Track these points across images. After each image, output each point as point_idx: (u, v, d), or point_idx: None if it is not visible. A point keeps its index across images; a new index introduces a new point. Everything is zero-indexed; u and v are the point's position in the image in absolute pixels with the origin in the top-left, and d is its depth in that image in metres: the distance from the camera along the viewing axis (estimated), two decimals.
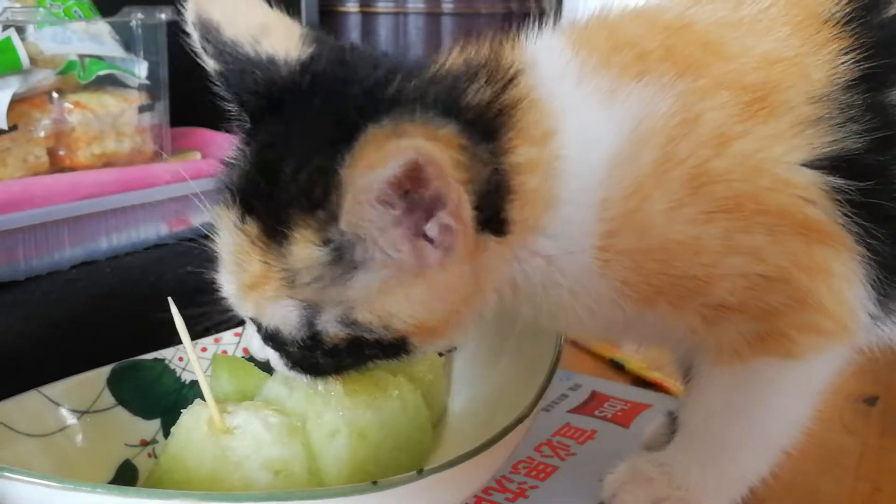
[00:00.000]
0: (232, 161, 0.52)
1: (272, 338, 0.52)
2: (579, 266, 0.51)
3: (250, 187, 0.49)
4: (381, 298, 0.48)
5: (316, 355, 0.51)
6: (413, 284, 0.48)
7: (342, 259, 0.46)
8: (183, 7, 0.52)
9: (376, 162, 0.40)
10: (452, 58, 0.52)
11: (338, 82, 0.51)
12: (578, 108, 0.50)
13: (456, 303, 0.50)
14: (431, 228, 0.46)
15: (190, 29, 0.52)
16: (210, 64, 0.52)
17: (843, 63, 0.50)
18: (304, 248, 0.46)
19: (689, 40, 0.52)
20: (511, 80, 0.50)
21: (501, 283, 0.52)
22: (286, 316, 0.49)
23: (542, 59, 0.52)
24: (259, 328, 0.53)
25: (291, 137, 0.49)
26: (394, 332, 0.49)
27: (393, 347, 0.51)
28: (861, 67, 0.50)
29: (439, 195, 0.43)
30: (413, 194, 0.43)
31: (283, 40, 0.52)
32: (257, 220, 0.48)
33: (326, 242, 0.46)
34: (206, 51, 0.52)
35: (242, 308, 0.52)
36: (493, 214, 0.47)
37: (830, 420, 0.58)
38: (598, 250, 0.50)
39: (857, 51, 0.50)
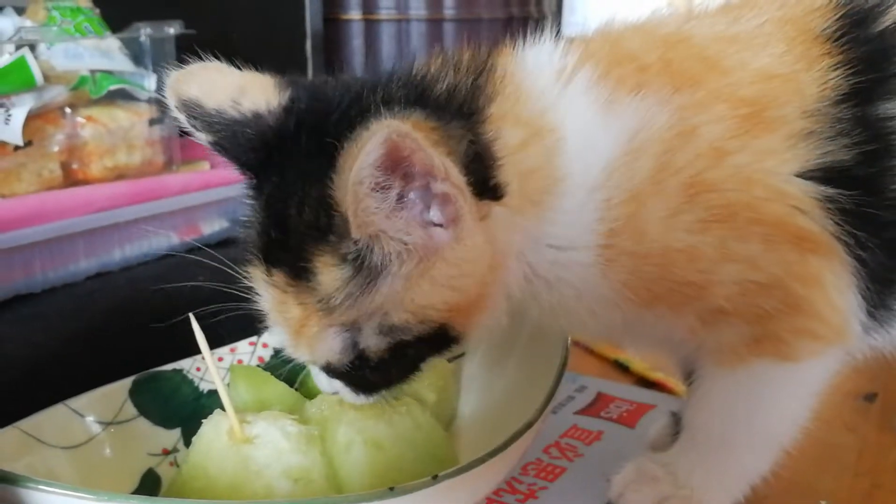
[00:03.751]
0: (248, 221, 0.54)
1: (329, 371, 0.55)
2: (583, 263, 0.53)
3: (267, 242, 0.51)
4: (410, 293, 0.49)
5: (368, 373, 0.53)
6: (434, 268, 0.49)
7: (363, 268, 0.48)
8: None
9: (357, 154, 0.43)
10: (429, 64, 0.54)
11: (318, 115, 0.52)
12: (580, 114, 0.52)
13: (480, 274, 0.51)
14: (434, 211, 0.48)
15: (175, 113, 0.54)
16: (203, 138, 0.54)
17: (833, 78, 0.52)
18: (328, 273, 0.49)
19: (686, 54, 0.54)
20: (486, 68, 0.53)
21: (519, 257, 0.53)
22: (332, 346, 0.52)
23: (539, 60, 0.55)
24: (316, 365, 0.55)
25: (289, 181, 0.51)
26: (431, 323, 0.51)
27: (436, 341, 0.52)
28: (850, 82, 0.51)
29: (425, 169, 0.46)
30: (402, 171, 0.46)
31: (260, 94, 0.54)
32: (282, 270, 0.51)
33: (344, 259, 0.48)
34: (196, 128, 0.54)
35: (299, 354, 0.54)
36: (483, 181, 0.50)
37: (830, 418, 0.59)
38: (600, 248, 0.52)
39: (847, 66, 0.52)
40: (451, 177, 0.46)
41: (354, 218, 0.46)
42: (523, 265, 0.54)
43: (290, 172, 0.51)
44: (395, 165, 0.45)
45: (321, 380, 0.57)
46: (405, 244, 0.48)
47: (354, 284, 0.49)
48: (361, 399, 0.56)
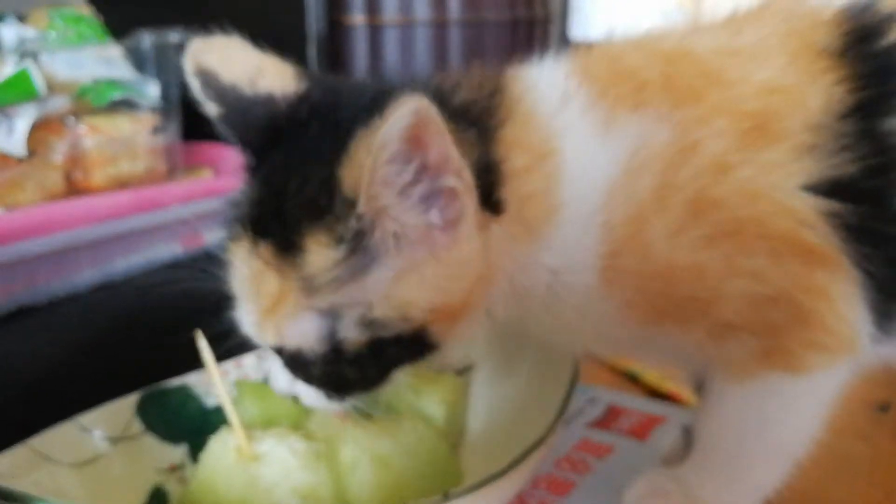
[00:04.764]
0: (239, 198, 0.54)
1: (295, 361, 0.53)
2: (584, 284, 0.53)
3: (259, 213, 0.51)
4: (397, 288, 0.49)
5: (341, 368, 0.52)
6: (426, 266, 0.49)
7: (356, 252, 0.48)
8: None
9: (384, 122, 0.43)
10: (441, 78, 0.55)
11: (331, 108, 0.53)
12: (578, 137, 0.52)
13: (468, 280, 0.51)
14: (434, 211, 0.48)
15: (190, 79, 0.54)
16: (212, 109, 0.55)
17: (837, 92, 0.51)
18: (318, 252, 0.48)
19: (687, 69, 0.53)
20: (498, 89, 0.53)
21: (509, 279, 0.53)
22: (306, 331, 0.51)
23: (543, 83, 0.54)
24: (282, 354, 0.54)
25: (293, 161, 0.51)
26: (412, 322, 0.50)
27: (415, 344, 0.52)
28: (855, 97, 0.51)
29: (440, 159, 0.46)
30: (420, 153, 0.46)
31: (277, 79, 0.55)
32: (270, 241, 0.50)
33: (340, 241, 0.48)
34: (208, 97, 0.54)
35: (264, 336, 0.53)
36: (487, 193, 0.50)
37: (842, 427, 0.59)
38: (601, 270, 0.52)
39: (851, 80, 0.51)
40: (463, 174, 0.47)
41: (367, 187, 0.45)
42: (517, 286, 0.54)
43: (296, 153, 0.51)
44: (416, 145, 0.45)
45: (280, 380, 0.56)
46: (404, 230, 0.48)
47: (344, 268, 0.48)
48: (322, 402, 0.55)
